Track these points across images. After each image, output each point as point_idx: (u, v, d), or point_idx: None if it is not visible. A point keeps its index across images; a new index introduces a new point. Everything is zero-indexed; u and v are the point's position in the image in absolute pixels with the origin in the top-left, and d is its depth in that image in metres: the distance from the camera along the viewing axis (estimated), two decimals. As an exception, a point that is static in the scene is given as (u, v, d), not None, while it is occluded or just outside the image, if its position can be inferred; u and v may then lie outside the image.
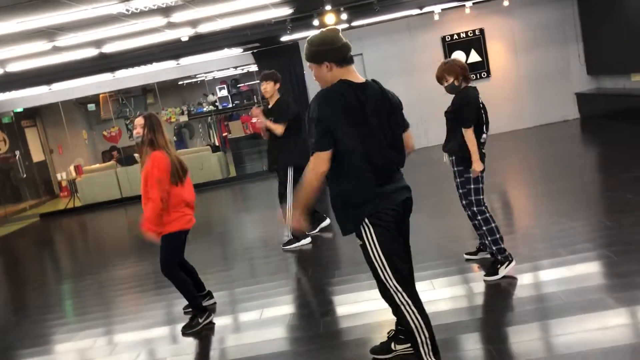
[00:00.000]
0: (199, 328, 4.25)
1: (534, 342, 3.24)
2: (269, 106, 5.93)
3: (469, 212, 4.36)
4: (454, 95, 4.28)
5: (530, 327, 3.40)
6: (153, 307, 5.03)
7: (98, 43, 7.03)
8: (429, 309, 2.92)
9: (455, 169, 4.36)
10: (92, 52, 7.38)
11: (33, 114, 14.57)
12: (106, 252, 8.35)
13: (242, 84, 15.91)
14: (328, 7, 7.17)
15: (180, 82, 15.08)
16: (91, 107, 14.84)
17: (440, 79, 4.28)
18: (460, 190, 4.38)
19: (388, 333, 3.38)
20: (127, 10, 5.12)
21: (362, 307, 4.14)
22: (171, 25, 6.64)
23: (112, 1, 4.92)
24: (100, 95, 14.26)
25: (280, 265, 5.72)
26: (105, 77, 11.04)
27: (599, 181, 6.88)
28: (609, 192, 6.20)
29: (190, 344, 4.18)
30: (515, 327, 3.47)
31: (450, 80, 4.21)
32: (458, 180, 4.37)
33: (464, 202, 4.39)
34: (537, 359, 3.03)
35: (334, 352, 3.56)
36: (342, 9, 7.72)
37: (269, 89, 5.80)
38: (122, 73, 10.93)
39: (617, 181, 6.37)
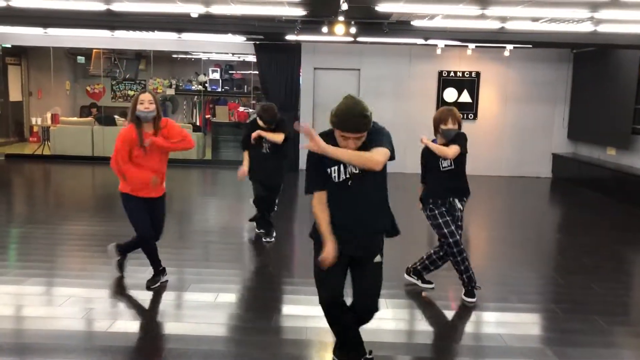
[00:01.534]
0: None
1: (471, 376, 3.38)
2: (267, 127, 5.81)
3: (460, 247, 4.54)
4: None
5: (470, 362, 3.55)
6: (103, 269, 4.99)
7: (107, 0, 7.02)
8: (377, 325, 3.08)
9: (461, 207, 4.59)
10: (99, 6, 7.33)
11: (19, 53, 14.27)
12: (66, 206, 8.27)
13: (236, 72, 15.92)
14: (341, 18, 7.29)
15: (174, 56, 15.00)
16: (81, 59, 14.62)
17: (441, 121, 4.45)
18: (460, 224, 4.59)
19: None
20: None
21: (315, 311, 4.22)
22: (186, -1, 6.68)
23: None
24: (94, 50, 14.08)
25: (236, 255, 5.79)
26: (104, 33, 10.92)
27: (560, 240, 7.13)
28: (567, 252, 6.44)
29: (136, 312, 4.22)
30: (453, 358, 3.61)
31: (451, 125, 4.43)
32: (460, 214, 4.58)
33: (460, 237, 4.56)
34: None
35: (281, 348, 3.64)
36: (352, 22, 7.85)
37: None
38: (121, 34, 10.83)
39: (577, 244, 6.63)
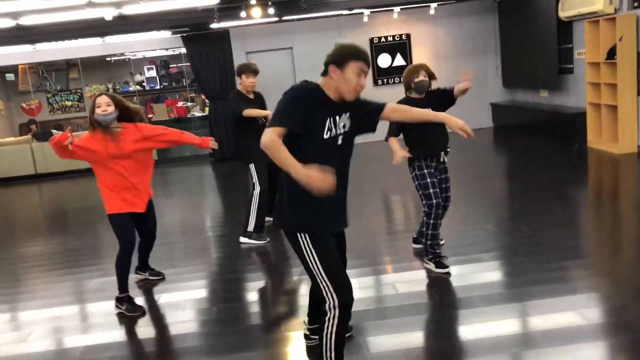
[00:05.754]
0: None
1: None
2: (250, 97, 5.72)
3: (444, 209, 4.55)
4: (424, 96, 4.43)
5: (398, 322, 3.71)
6: (63, 286, 5.01)
7: (15, 15, 6.85)
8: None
9: (445, 166, 4.53)
10: (8, 22, 7.16)
11: (-55, 79, 13.82)
12: (15, 229, 8.14)
13: (173, 66, 15.71)
14: (253, 1, 7.28)
15: (107, 59, 14.71)
16: (10, 77, 14.23)
17: (413, 75, 4.41)
18: (445, 187, 4.56)
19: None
20: (42, -14, 5.04)
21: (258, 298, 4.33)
22: (92, 4, 6.56)
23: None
24: (20, 66, 13.71)
25: (197, 253, 5.77)
26: (26, 48, 10.66)
27: (496, 189, 7.37)
28: (503, 200, 6.70)
29: (97, 321, 4.26)
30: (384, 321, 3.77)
31: (422, 77, 4.39)
32: (445, 176, 4.55)
33: (448, 201, 4.59)
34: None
35: (220, 338, 3.74)
36: (269, 3, 7.84)
37: (256, 82, 5.73)
38: (43, 46, 10.58)
39: (511, 190, 6.90)
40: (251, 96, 5.75)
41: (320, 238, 2.78)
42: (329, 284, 2.72)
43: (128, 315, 4.23)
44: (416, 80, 4.38)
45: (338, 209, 2.90)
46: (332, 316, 2.73)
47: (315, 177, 2.45)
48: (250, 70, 5.63)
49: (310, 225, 2.78)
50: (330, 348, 2.79)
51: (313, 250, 2.75)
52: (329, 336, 2.76)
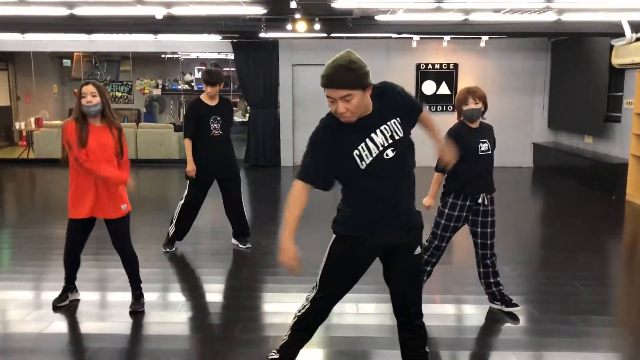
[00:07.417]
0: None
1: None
2: (211, 105, 5.33)
3: (491, 259, 4.16)
4: (480, 128, 4.08)
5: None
6: (87, 271, 5.08)
7: (70, 4, 7.10)
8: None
9: (491, 207, 4.15)
10: (63, 11, 7.41)
11: (6, 58, 14.41)
12: (50, 209, 8.35)
13: (222, 69, 15.99)
14: (298, 16, 7.34)
15: (162, 55, 15.08)
16: (66, 62, 14.78)
17: (462, 102, 4.03)
18: (490, 231, 4.13)
19: None
20: (94, -20, 5.20)
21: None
22: (142, 2, 6.74)
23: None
24: (75, 54, 14.21)
25: (219, 255, 5.80)
26: (82, 36, 11.02)
27: (524, 232, 7.14)
28: (527, 243, 6.48)
29: (110, 312, 4.33)
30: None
31: (472, 105, 3.99)
32: (490, 219, 4.14)
33: (488, 248, 4.13)
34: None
35: (206, 345, 3.72)
36: (316, 19, 7.89)
37: (215, 92, 5.34)
38: (99, 36, 10.92)
39: (539, 235, 6.67)
40: (211, 104, 5.39)
41: None
42: None
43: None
44: (465, 108, 3.99)
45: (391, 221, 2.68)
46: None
47: (282, 252, 2.55)
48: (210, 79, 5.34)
49: None
50: None
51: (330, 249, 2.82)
52: None
